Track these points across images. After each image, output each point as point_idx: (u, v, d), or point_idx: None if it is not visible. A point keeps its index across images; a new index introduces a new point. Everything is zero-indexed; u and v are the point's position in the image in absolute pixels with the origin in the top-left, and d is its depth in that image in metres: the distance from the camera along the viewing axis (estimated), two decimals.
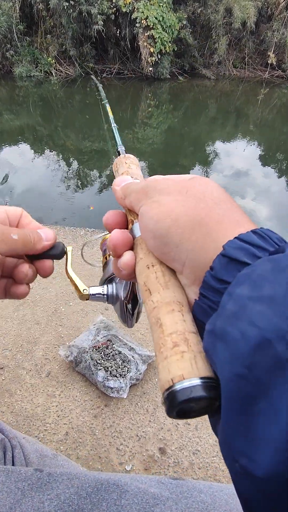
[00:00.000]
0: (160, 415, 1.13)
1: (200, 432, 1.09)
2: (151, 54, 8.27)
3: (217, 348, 0.17)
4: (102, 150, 4.88)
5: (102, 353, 1.23)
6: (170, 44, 8.34)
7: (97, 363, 1.19)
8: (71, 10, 7.35)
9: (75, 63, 8.56)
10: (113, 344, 1.27)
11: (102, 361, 1.20)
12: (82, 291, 0.35)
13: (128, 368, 1.19)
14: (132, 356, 1.22)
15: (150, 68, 8.61)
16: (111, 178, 3.98)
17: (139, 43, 8.09)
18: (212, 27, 8.82)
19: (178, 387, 0.18)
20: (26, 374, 1.24)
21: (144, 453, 1.03)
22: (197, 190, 0.23)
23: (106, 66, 9.03)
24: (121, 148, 0.38)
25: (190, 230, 0.21)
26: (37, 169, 4.04)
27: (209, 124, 6.99)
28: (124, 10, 7.61)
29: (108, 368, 1.18)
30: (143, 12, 7.54)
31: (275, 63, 9.67)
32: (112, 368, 1.18)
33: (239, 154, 5.28)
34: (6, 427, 0.61)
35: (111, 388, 1.13)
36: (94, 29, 7.62)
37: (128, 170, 0.34)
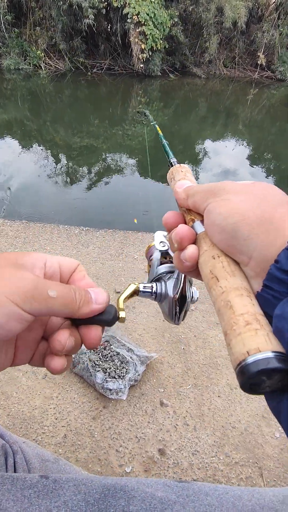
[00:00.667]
0: (159, 416, 1.13)
1: (198, 433, 1.10)
2: (142, 51, 8.21)
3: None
4: (92, 146, 4.83)
5: (100, 354, 1.22)
6: (161, 41, 8.31)
7: (95, 364, 1.18)
8: (61, 2, 7.20)
9: (65, 57, 8.41)
10: (111, 345, 1.26)
11: (100, 362, 1.19)
12: (135, 285, 0.36)
13: (126, 369, 1.18)
14: (131, 357, 1.22)
15: (141, 65, 8.56)
16: (101, 174, 3.94)
17: (130, 39, 8.02)
18: (204, 25, 8.83)
19: (253, 358, 0.19)
20: (23, 376, 1.21)
21: (143, 454, 1.03)
22: (261, 192, 0.26)
23: (97, 61, 8.92)
24: (173, 160, 0.42)
25: (259, 225, 0.23)
26: (26, 165, 3.96)
27: (199, 123, 7.02)
28: (115, 5, 7.52)
29: (106, 369, 1.17)
30: (134, 8, 7.47)
31: (264, 64, 9.77)
32: (111, 370, 1.17)
33: (228, 153, 5.33)
34: (6, 432, 0.60)
35: (110, 390, 1.12)
36: (84, 23, 7.49)
37: (185, 177, 0.37)
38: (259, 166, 4.90)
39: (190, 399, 1.18)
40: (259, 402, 1.18)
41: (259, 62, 9.75)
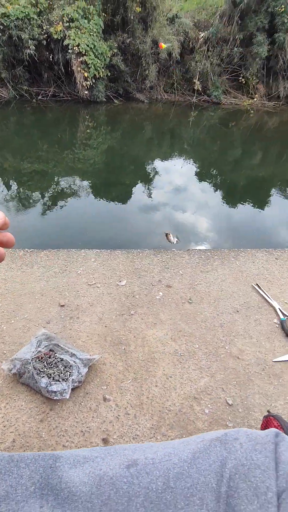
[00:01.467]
0: (102, 410, 1.25)
1: (138, 419, 1.23)
2: (85, 79, 8.59)
3: None
4: (42, 171, 4.93)
5: (45, 362, 1.32)
6: (103, 70, 8.77)
7: (40, 371, 1.28)
8: (0, 34, 7.38)
9: (8, 85, 8.52)
10: (55, 353, 1.37)
11: (45, 369, 1.29)
12: None
13: (70, 372, 1.30)
14: (74, 361, 1.33)
15: (86, 92, 8.91)
16: (54, 199, 4.04)
17: (73, 68, 8.37)
18: (142, 56, 9.48)
19: None
20: None
21: (88, 445, 1.14)
22: None
23: (41, 88, 9.13)
24: None
25: None
26: None
27: (146, 144, 7.42)
28: (55, 36, 7.86)
29: (51, 374, 1.27)
30: (74, 40, 7.87)
31: (200, 89, 10.67)
32: (55, 374, 1.27)
33: (177, 171, 5.71)
34: None
35: (55, 392, 1.22)
36: (26, 53, 7.72)
37: None
38: (207, 181, 5.31)
39: (131, 391, 1.32)
40: (191, 386, 1.36)
41: (195, 88, 10.63)
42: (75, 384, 1.29)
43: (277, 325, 1.64)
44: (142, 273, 1.90)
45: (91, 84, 8.75)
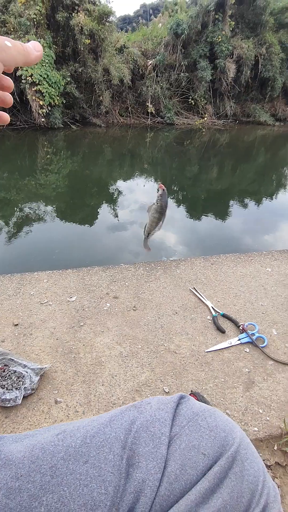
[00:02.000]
0: (54, 411, 1.41)
1: (86, 415, 1.40)
2: (41, 107, 8.86)
3: None
4: (2, 199, 5.03)
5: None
6: (58, 98, 9.10)
7: None
8: None
9: None
10: (9, 367, 1.51)
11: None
12: None
13: (22, 381, 1.44)
14: (26, 371, 1.48)
15: (43, 119, 9.17)
16: (13, 225, 4.15)
17: (28, 97, 8.62)
18: (95, 83, 9.95)
19: None
20: None
21: None
22: None
23: None
24: None
25: None
26: None
27: (107, 166, 7.69)
28: None
29: (4, 385, 1.41)
30: (27, 70, 8.17)
31: (154, 112, 11.31)
32: (8, 385, 1.41)
33: (140, 189, 5.99)
34: None
35: (8, 400, 1.36)
36: None
37: None
38: (170, 197, 5.61)
39: (80, 392, 1.49)
40: (134, 381, 1.54)
41: (149, 111, 11.26)
42: (28, 392, 1.44)
43: (210, 321, 1.88)
44: (91, 288, 2.10)
45: (47, 111, 9.03)
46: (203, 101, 11.77)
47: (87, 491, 0.34)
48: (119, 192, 5.76)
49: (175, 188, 6.21)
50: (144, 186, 6.35)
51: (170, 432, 0.41)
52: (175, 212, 4.86)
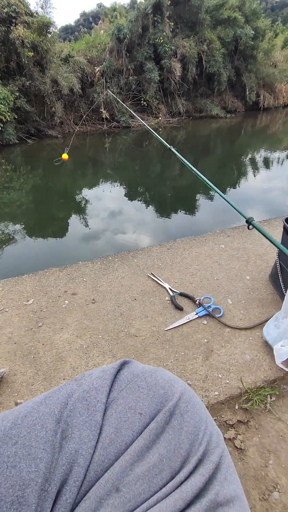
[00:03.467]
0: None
1: None
2: None
3: None
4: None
5: None
6: (9, 113, 8.96)
7: None
8: None
9: None
10: None
11: None
12: None
13: None
14: None
15: None
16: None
17: None
18: (45, 95, 9.89)
19: None
20: None
21: None
22: None
23: None
24: None
25: None
26: None
27: (70, 176, 7.60)
28: None
29: None
30: None
31: (109, 117, 11.38)
32: None
33: (108, 196, 5.94)
34: None
35: None
36: None
37: None
38: (138, 200, 5.60)
39: (41, 390, 1.46)
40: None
41: (103, 117, 11.32)
42: None
43: (168, 302, 1.91)
44: (49, 289, 2.07)
45: (0, 128, 8.87)
46: (155, 101, 11.99)
47: (14, 472, 0.33)
48: (86, 201, 5.72)
49: (141, 190, 6.25)
50: (110, 192, 6.32)
51: (107, 398, 0.40)
52: (144, 212, 4.89)
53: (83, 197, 5.87)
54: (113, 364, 0.46)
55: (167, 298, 1.94)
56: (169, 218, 4.58)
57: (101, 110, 11.22)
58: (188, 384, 1.50)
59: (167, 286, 2.01)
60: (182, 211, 4.79)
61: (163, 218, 4.65)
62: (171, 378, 0.43)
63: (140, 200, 5.52)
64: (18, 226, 4.53)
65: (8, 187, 6.78)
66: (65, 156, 4.00)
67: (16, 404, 1.40)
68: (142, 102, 11.88)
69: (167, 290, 1.98)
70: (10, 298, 1.99)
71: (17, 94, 9.29)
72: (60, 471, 0.34)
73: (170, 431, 0.37)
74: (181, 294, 1.93)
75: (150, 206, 5.20)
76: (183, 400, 0.40)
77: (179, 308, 1.83)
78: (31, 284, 2.12)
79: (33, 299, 1.98)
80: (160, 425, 0.37)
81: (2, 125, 8.92)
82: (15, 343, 1.70)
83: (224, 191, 5.59)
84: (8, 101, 8.88)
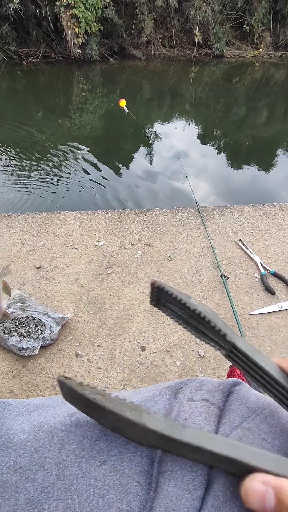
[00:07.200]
0: (74, 365, 1.27)
1: (109, 373, 1.25)
2: (77, 35, 8.04)
3: None
4: (40, 140, 4.74)
5: (17, 322, 1.33)
6: (95, 24, 8.15)
7: (12, 330, 1.29)
8: None
9: None
10: (28, 313, 1.37)
11: (16, 328, 1.30)
12: None
13: (41, 330, 1.30)
14: (46, 320, 1.34)
15: (78, 50, 8.39)
16: (44, 164, 3.92)
17: (63, 23, 7.81)
18: (136, 5, 8.75)
19: None
20: None
21: None
22: None
23: (31, 49, 8.61)
24: None
25: None
26: None
27: (145, 106, 7.03)
28: None
29: (22, 333, 1.28)
30: None
31: (201, 41, 9.92)
32: (26, 333, 1.28)
33: (178, 134, 5.42)
34: None
35: (25, 349, 1.23)
36: (10, 8, 7.19)
37: None
38: (209, 144, 5.04)
39: (103, 347, 1.33)
40: (164, 340, 1.35)
41: (196, 40, 9.87)
42: (47, 342, 1.30)
43: (257, 280, 1.59)
44: (122, 233, 1.86)
45: (83, 41, 8.19)
46: (260, 27, 10.04)
47: (102, 505, 0.25)
48: (156, 136, 5.23)
49: (217, 134, 5.53)
50: (183, 131, 5.70)
51: (217, 431, 0.31)
52: (233, 161, 4.32)
53: (156, 134, 5.36)
54: (220, 382, 0.36)
55: (256, 275, 1.62)
56: (267, 173, 3.97)
57: (194, 31, 9.75)
58: None
59: (258, 260, 1.67)
60: (268, 166, 4.12)
61: (258, 172, 4.05)
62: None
63: (217, 148, 4.88)
64: (89, 154, 4.29)
65: (82, 109, 6.46)
66: (122, 102, 3.40)
67: (77, 355, 1.30)
68: (244, 26, 10.04)
69: (258, 265, 1.65)
70: (81, 235, 1.83)
71: (107, 1, 8.29)
72: None
73: None
74: (275, 275, 1.60)
75: (230, 155, 4.56)
76: None
77: (270, 292, 1.51)
78: (103, 223, 1.92)
79: (104, 241, 1.79)
80: None
81: (86, 37, 8.20)
82: (81, 286, 1.56)
83: None
84: (96, 8, 7.99)
